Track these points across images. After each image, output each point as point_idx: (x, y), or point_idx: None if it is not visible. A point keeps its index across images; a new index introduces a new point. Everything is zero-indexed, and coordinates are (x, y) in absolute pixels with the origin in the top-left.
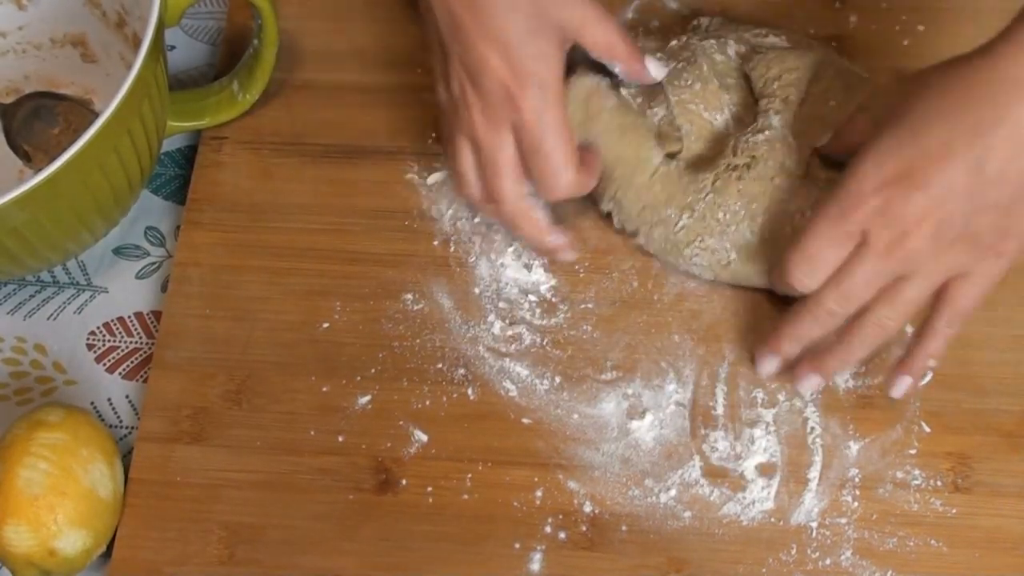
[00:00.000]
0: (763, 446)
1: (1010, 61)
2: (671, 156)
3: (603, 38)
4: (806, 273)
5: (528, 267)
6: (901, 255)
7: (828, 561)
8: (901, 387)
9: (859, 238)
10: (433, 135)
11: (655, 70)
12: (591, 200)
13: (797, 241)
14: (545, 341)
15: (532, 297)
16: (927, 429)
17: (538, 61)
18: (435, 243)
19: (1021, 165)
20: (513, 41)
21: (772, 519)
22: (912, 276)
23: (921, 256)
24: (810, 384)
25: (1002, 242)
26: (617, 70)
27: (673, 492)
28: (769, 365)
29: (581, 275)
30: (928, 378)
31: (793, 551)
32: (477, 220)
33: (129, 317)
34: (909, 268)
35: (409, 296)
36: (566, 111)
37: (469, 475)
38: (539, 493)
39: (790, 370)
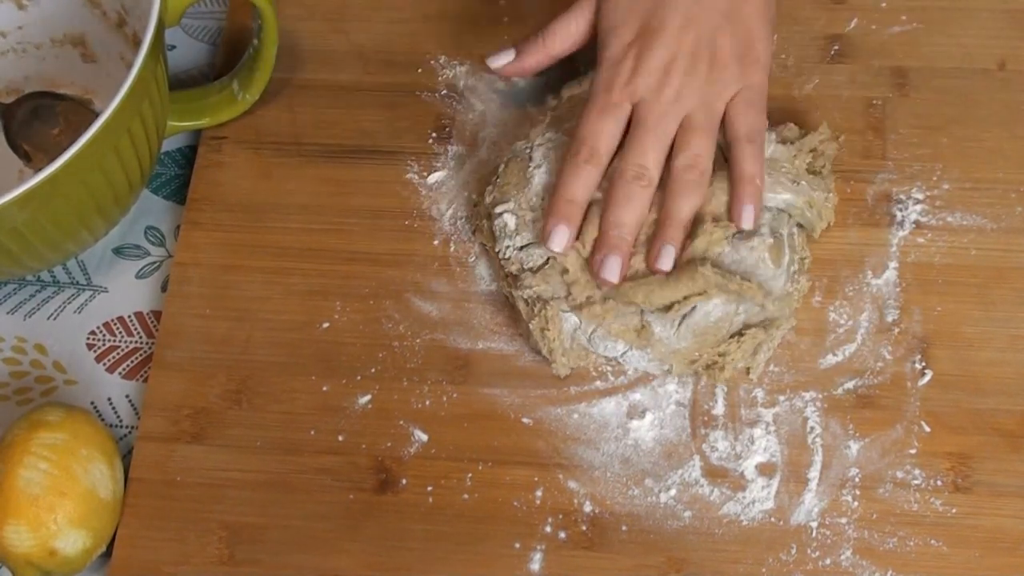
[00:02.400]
0: (763, 446)
1: None
2: None
3: None
4: (590, 150)
5: None
6: (671, 96)
7: (828, 561)
8: (748, 216)
9: (628, 108)
10: (433, 135)
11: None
12: None
13: (575, 133)
14: None
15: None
16: (927, 429)
17: None
18: (435, 243)
19: None
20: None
21: (772, 519)
22: (693, 112)
23: (689, 90)
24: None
25: (750, 50)
26: None
27: (673, 492)
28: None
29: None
30: (928, 378)
31: (793, 551)
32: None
33: (129, 317)
34: (685, 105)
35: (409, 296)
36: None
37: (469, 475)
38: (539, 493)
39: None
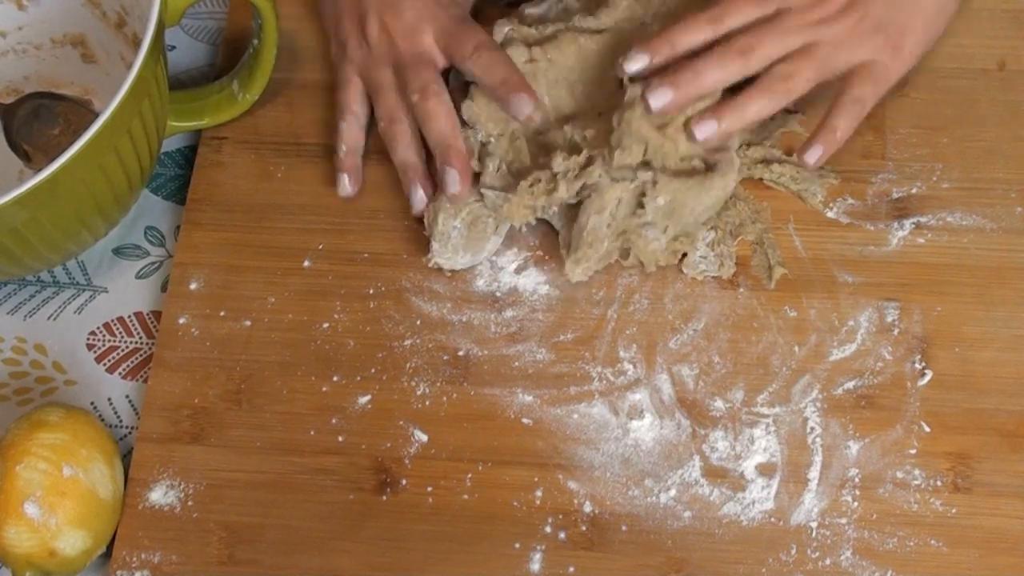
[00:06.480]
0: (763, 446)
1: None
2: None
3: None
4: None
5: (528, 267)
6: (816, 16)
7: (828, 561)
8: (814, 154)
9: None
10: None
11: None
12: None
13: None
14: (544, 340)
15: (531, 297)
16: (927, 429)
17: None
18: None
19: None
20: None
21: (772, 519)
22: (822, 44)
23: (834, 27)
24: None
25: (901, 37)
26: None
27: (673, 492)
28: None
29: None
30: (928, 378)
31: (793, 551)
32: None
33: (129, 317)
34: (821, 33)
35: (409, 296)
36: None
37: (469, 475)
38: (539, 493)
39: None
